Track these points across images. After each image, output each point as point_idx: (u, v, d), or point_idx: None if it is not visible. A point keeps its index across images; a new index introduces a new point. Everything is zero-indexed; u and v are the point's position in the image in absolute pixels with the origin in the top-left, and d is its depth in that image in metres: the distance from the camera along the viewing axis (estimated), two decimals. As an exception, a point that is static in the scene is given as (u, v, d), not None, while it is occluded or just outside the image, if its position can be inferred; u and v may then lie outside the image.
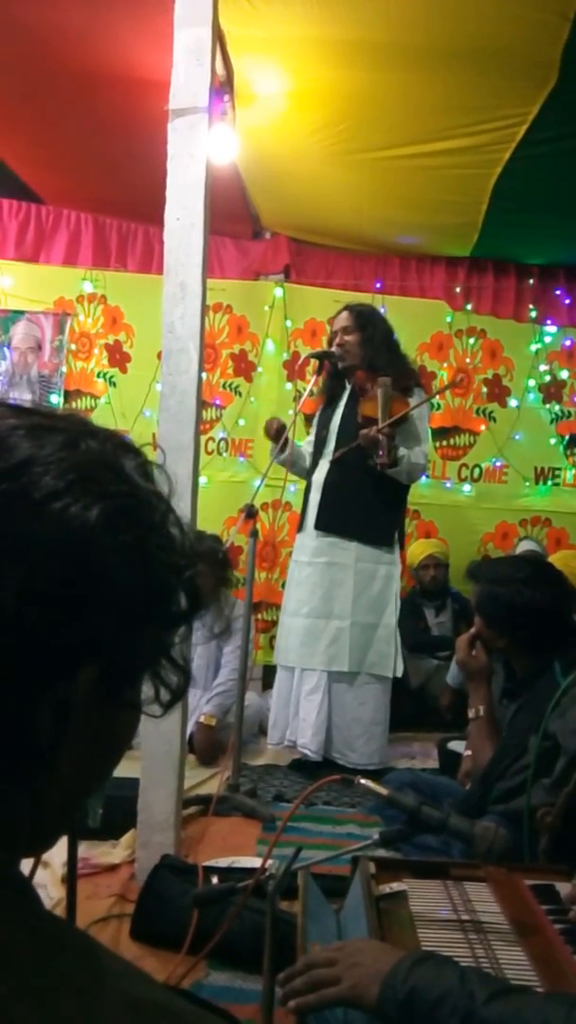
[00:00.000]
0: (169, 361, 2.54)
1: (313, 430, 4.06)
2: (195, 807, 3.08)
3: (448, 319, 5.09)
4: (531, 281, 5.14)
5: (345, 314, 3.90)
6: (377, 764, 3.66)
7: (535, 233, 4.72)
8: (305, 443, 4.05)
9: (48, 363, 4.93)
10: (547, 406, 5.13)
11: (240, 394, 5.00)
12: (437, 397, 4.92)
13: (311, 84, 3.43)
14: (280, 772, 3.71)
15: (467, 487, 5.10)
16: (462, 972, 1.08)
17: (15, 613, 0.52)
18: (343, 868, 1.69)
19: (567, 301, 5.16)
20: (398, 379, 3.74)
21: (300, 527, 3.93)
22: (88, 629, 0.55)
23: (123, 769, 0.68)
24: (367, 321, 3.86)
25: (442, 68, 3.19)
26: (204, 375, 3.95)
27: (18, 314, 4.89)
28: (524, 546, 4.84)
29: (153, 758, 2.49)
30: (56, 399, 4.92)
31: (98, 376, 4.98)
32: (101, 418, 4.64)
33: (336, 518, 3.75)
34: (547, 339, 5.14)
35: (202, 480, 3.35)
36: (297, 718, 3.72)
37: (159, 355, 2.69)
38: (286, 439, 3.69)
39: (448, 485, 5.09)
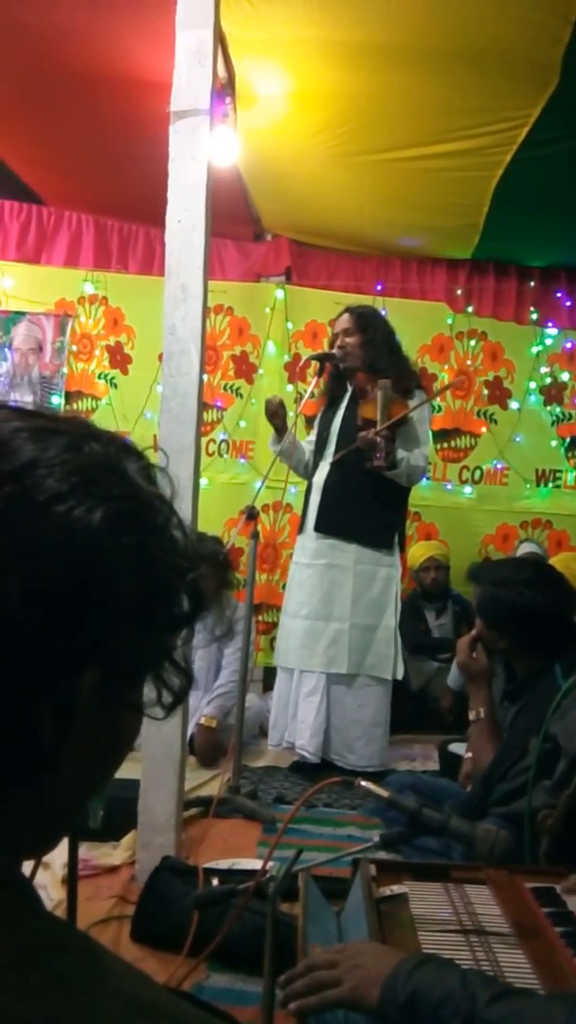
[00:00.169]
0: (170, 363, 2.54)
1: (315, 432, 4.06)
2: (196, 809, 3.08)
3: (449, 321, 5.09)
4: (532, 283, 5.14)
5: (346, 316, 3.90)
6: (377, 766, 3.66)
7: (536, 235, 4.73)
8: (305, 442, 4.06)
9: (49, 364, 4.93)
10: (548, 408, 5.13)
11: (241, 396, 5.00)
12: (438, 399, 4.92)
13: (312, 86, 3.44)
14: (281, 774, 3.71)
15: (468, 489, 5.10)
16: (464, 974, 1.07)
17: (19, 615, 0.52)
18: (344, 870, 1.69)
19: (568, 303, 5.16)
20: (398, 381, 3.74)
21: (300, 529, 3.94)
22: (91, 631, 0.55)
23: (124, 770, 0.68)
24: (368, 323, 3.86)
25: (443, 70, 3.19)
26: (205, 377, 3.96)
27: (19, 315, 4.90)
28: (525, 548, 4.84)
29: (154, 760, 2.49)
30: (57, 400, 4.92)
31: (99, 377, 4.98)
32: (102, 420, 4.64)
33: (336, 520, 3.75)
34: (548, 341, 5.14)
35: (203, 482, 3.35)
36: (296, 720, 3.72)
37: (160, 357, 2.70)
38: (285, 427, 3.71)
39: (449, 487, 5.09)
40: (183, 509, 0.64)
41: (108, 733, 0.61)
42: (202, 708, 3.90)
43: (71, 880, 1.79)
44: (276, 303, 4.98)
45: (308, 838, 2.86)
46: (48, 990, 0.50)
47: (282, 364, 5.01)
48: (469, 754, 2.60)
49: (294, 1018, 1.15)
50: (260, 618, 4.80)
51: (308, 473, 3.96)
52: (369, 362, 3.78)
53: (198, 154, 2.53)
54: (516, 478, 5.09)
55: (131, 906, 2.25)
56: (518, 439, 5.10)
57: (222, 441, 4.97)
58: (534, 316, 5.12)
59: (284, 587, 4.11)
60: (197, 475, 2.59)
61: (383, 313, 4.21)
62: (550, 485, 5.12)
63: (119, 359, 4.98)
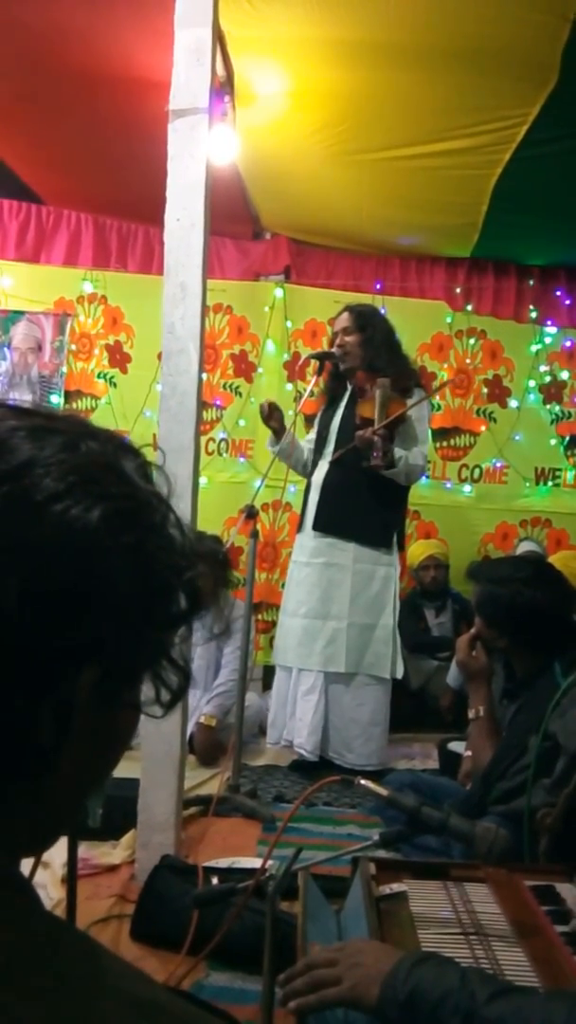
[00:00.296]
0: (169, 362, 2.54)
1: (314, 431, 4.06)
2: (195, 808, 3.08)
3: (448, 320, 5.09)
4: (531, 282, 5.14)
5: (346, 315, 3.90)
6: (375, 765, 3.66)
7: (535, 234, 4.73)
8: (304, 441, 4.06)
9: (48, 363, 4.93)
10: (547, 407, 5.14)
11: (240, 395, 5.00)
12: (437, 398, 4.92)
13: (311, 84, 3.44)
14: (280, 773, 3.71)
15: (467, 488, 5.10)
16: (463, 972, 1.08)
17: (17, 615, 0.52)
18: (343, 869, 1.69)
19: (567, 302, 5.16)
20: (397, 380, 3.74)
21: (299, 528, 3.94)
22: (89, 630, 0.55)
23: (123, 769, 0.68)
24: (367, 322, 3.85)
25: (442, 69, 3.19)
26: (204, 376, 3.96)
27: (18, 314, 4.89)
28: (524, 547, 4.85)
29: (153, 759, 2.49)
30: (56, 400, 4.92)
31: (98, 377, 4.98)
32: (101, 419, 4.66)
33: (334, 519, 3.75)
34: (547, 340, 5.14)
35: (202, 481, 3.35)
36: (294, 718, 3.73)
37: (159, 356, 2.70)
38: (283, 427, 3.71)
39: (448, 486, 5.09)
40: (182, 508, 0.64)
41: (106, 731, 0.61)
42: (202, 707, 3.91)
43: (71, 879, 1.79)
44: (275, 302, 4.97)
45: (308, 836, 2.86)
46: (47, 990, 0.50)
47: (281, 363, 5.01)
48: (468, 752, 2.60)
49: (294, 1016, 1.15)
50: (260, 617, 4.80)
51: (308, 472, 3.96)
52: (368, 361, 3.78)
53: (197, 153, 2.52)
54: (515, 477, 5.09)
55: (131, 905, 2.25)
56: (517, 438, 5.10)
57: (221, 440, 4.97)
58: (533, 314, 5.12)
59: (283, 586, 4.12)
60: (196, 474, 2.58)
61: (383, 312, 4.21)
62: (549, 483, 5.12)
63: (118, 358, 4.98)
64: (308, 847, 1.61)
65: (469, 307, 5.10)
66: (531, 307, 5.13)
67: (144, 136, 3.23)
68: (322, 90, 3.47)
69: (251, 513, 3.34)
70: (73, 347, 4.95)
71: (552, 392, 5.13)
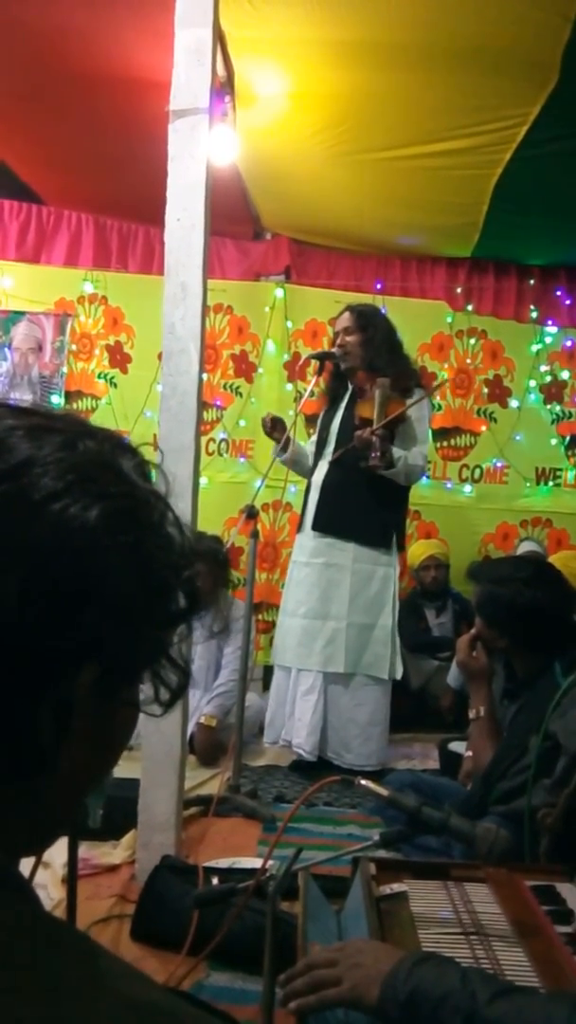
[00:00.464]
0: (170, 362, 2.54)
1: (316, 431, 4.06)
2: (196, 808, 3.08)
3: (449, 320, 5.09)
4: (532, 282, 5.14)
5: (346, 315, 3.90)
6: (374, 765, 3.65)
7: (536, 234, 4.73)
8: (308, 444, 4.06)
9: (49, 364, 4.93)
10: (548, 407, 5.14)
11: (241, 395, 5.00)
12: (438, 398, 4.92)
13: (312, 85, 3.44)
14: (281, 773, 3.71)
15: (468, 488, 5.10)
16: (464, 972, 1.07)
17: (16, 614, 0.52)
18: (344, 869, 1.69)
19: (568, 302, 5.16)
20: (397, 380, 3.73)
21: (299, 528, 3.93)
22: (88, 629, 0.55)
23: (124, 769, 0.68)
24: (368, 322, 3.85)
25: (443, 69, 3.19)
26: (205, 376, 3.96)
27: (19, 315, 4.90)
28: (525, 547, 4.84)
29: (154, 759, 2.49)
30: (57, 400, 4.92)
31: (99, 377, 4.99)
32: (102, 419, 4.66)
33: (334, 519, 3.75)
34: (548, 340, 5.15)
35: (202, 481, 3.34)
36: (293, 718, 3.72)
37: (160, 356, 2.69)
38: (288, 437, 3.70)
39: (449, 486, 5.09)
40: (182, 508, 0.64)
41: (105, 730, 0.61)
42: (202, 707, 3.90)
43: (71, 879, 1.79)
44: (276, 302, 4.97)
45: (308, 837, 2.86)
46: (47, 990, 0.50)
47: (282, 363, 5.01)
48: (469, 753, 2.60)
49: (294, 1017, 1.15)
50: (260, 617, 4.80)
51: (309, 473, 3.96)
52: (369, 361, 3.77)
53: (197, 153, 2.52)
54: (516, 476, 5.09)
55: (131, 905, 2.25)
56: (518, 437, 5.10)
57: (222, 440, 4.97)
58: (534, 314, 5.12)
59: (284, 586, 4.11)
60: (197, 474, 2.58)
61: (383, 312, 4.21)
62: (550, 483, 5.12)
63: (119, 358, 4.98)
64: (308, 847, 1.61)
65: (470, 307, 5.10)
66: (532, 307, 5.13)
67: (144, 136, 3.23)
68: (322, 90, 3.47)
69: (251, 513, 3.34)
70: (73, 347, 4.95)
71: (553, 392, 5.13)
